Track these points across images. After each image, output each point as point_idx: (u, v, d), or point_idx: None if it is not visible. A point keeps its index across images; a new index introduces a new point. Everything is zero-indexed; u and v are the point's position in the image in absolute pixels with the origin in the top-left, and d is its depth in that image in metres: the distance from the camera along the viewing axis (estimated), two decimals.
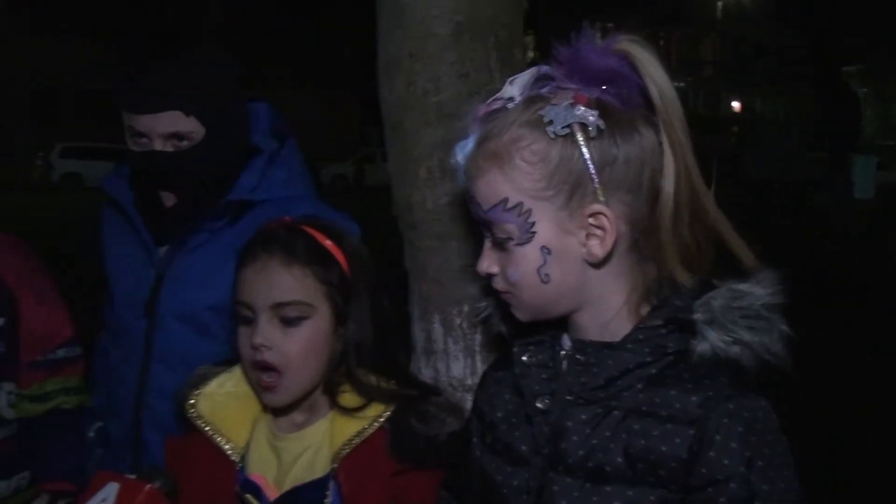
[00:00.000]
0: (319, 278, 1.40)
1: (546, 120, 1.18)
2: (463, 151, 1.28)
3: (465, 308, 1.75)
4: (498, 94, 1.27)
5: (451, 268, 1.74)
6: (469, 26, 1.73)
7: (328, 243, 1.42)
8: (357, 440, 1.37)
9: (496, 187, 1.21)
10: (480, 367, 1.77)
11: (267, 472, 1.40)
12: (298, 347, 1.39)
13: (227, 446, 1.43)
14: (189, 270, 1.81)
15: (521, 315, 1.27)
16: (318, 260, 1.40)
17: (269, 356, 1.38)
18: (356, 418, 1.39)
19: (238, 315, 1.42)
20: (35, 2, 28.38)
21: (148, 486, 1.28)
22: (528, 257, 1.21)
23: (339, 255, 1.42)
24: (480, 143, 1.24)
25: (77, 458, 2.08)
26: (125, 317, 1.89)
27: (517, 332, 1.32)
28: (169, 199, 1.81)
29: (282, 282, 1.39)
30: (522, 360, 1.29)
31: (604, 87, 1.19)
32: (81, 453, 2.09)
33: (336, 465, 1.36)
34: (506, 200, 1.20)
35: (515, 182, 1.19)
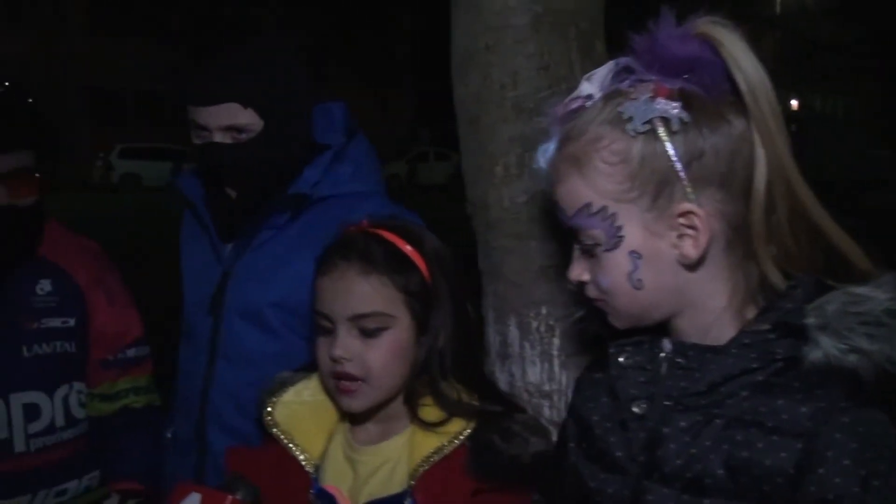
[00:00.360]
0: (398, 287, 1.34)
1: (625, 117, 1.12)
2: (545, 156, 1.22)
3: (543, 310, 1.68)
4: (576, 93, 1.20)
5: (530, 268, 1.68)
6: (548, 17, 1.66)
7: (408, 248, 1.36)
8: (436, 457, 1.31)
9: (577, 192, 1.15)
10: (558, 373, 1.70)
11: (342, 485, 1.36)
12: (379, 359, 1.34)
13: (301, 456, 1.38)
14: (253, 267, 1.79)
15: (618, 322, 1.21)
16: (397, 267, 1.34)
17: (349, 367, 1.33)
18: (436, 433, 1.33)
19: (316, 325, 1.38)
20: (95, 3, 28.96)
21: (230, 498, 1.25)
22: (617, 263, 1.15)
23: (419, 261, 1.36)
24: (560, 146, 1.18)
25: (146, 457, 2.08)
26: (194, 315, 1.90)
27: (614, 332, 1.25)
28: (232, 191, 1.80)
29: (360, 292, 1.34)
30: (619, 362, 1.22)
31: (685, 76, 1.11)
32: (151, 453, 2.09)
33: (414, 482, 1.30)
34: (589, 205, 1.14)
35: (596, 185, 1.13)
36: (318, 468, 1.39)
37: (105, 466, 2.09)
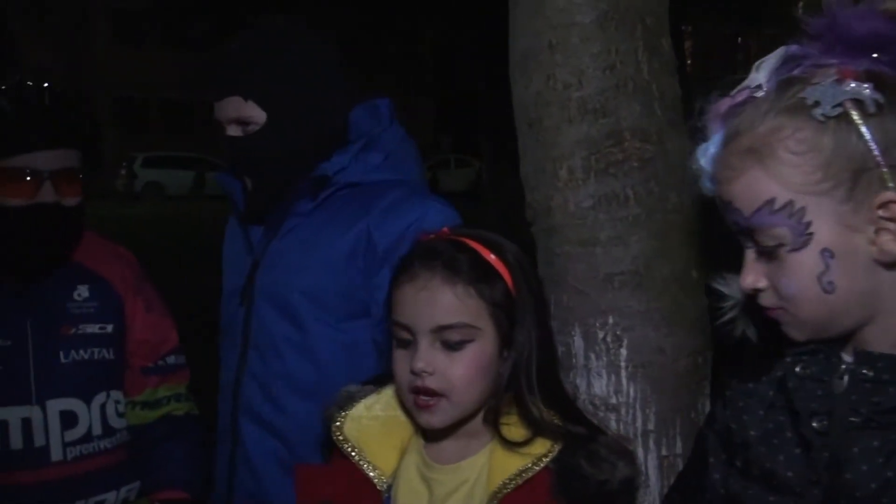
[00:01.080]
0: (484, 297, 1.26)
1: (810, 102, 1.01)
2: (706, 155, 1.12)
3: (610, 320, 1.62)
4: (742, 85, 1.11)
5: (595, 276, 1.61)
6: (615, 14, 1.59)
7: (492, 258, 1.28)
8: (520, 479, 1.23)
9: (759, 187, 1.05)
10: (626, 385, 1.63)
11: None
12: (462, 372, 1.26)
13: (372, 473, 1.31)
14: (281, 255, 1.78)
15: (798, 334, 1.09)
16: (482, 277, 1.26)
17: (430, 381, 1.26)
18: (519, 454, 1.25)
19: (394, 336, 1.31)
20: (120, 14, 29.19)
21: None
22: (805, 265, 1.04)
23: (503, 270, 1.28)
24: (729, 141, 1.07)
25: (190, 465, 2.05)
26: (228, 304, 1.89)
27: (767, 336, 1.15)
28: (249, 181, 1.80)
29: (444, 302, 1.26)
30: (796, 373, 1.11)
31: (874, 56, 1.00)
32: (194, 460, 2.06)
33: None
34: (772, 201, 1.03)
35: (782, 178, 1.03)
36: (389, 486, 1.32)
37: (146, 476, 2.05)
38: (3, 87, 1.94)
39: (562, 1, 1.60)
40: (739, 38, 35.59)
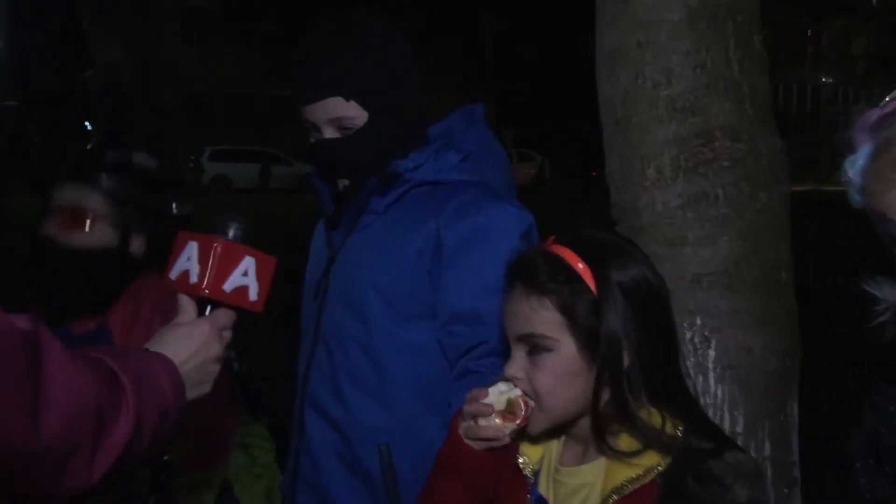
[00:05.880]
0: (561, 308, 1.25)
1: None
2: (854, 167, 1.10)
3: (698, 321, 1.60)
4: (891, 95, 1.09)
5: (684, 276, 1.60)
6: (705, 11, 1.57)
7: (579, 266, 1.26)
8: (627, 489, 1.21)
9: None
10: (713, 386, 1.62)
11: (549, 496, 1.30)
12: (544, 381, 1.24)
13: (520, 459, 1.32)
14: (356, 251, 1.77)
15: None
16: (560, 288, 1.25)
17: (522, 386, 1.27)
18: (628, 464, 1.23)
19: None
20: (188, 11, 29.76)
21: (220, 240, 1.20)
22: None
23: (589, 279, 1.26)
24: (881, 153, 1.05)
25: None
26: (305, 300, 1.90)
27: None
28: (342, 184, 1.79)
29: (521, 314, 1.26)
30: None
31: None
32: None
33: None
34: None
35: None
36: (536, 474, 1.33)
37: None
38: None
39: None
40: (810, 31, 34.72)
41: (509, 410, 1.28)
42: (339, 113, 1.69)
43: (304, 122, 1.77)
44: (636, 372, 1.24)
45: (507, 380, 1.29)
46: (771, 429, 1.61)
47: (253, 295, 1.23)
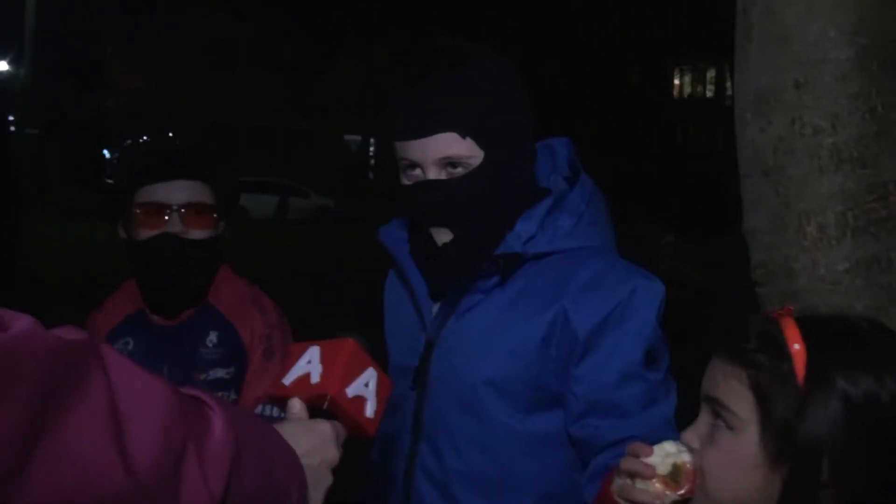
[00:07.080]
0: (758, 386, 1.06)
1: None
2: None
3: None
4: None
5: None
6: (877, 50, 1.40)
7: (795, 347, 1.07)
8: None
9: None
10: None
11: None
12: (716, 459, 1.08)
13: None
14: (460, 338, 1.56)
15: None
16: (760, 363, 1.07)
17: (694, 455, 1.10)
18: None
19: None
20: (210, 42, 29.99)
21: (350, 340, 1.13)
22: None
23: (801, 365, 1.06)
24: None
25: None
26: (397, 385, 1.67)
27: None
28: (444, 236, 1.55)
29: (716, 375, 1.10)
30: None
31: None
32: None
33: None
34: None
35: None
36: None
37: None
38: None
39: (813, 34, 1.41)
40: None
41: (673, 478, 1.11)
42: (452, 151, 1.48)
43: (399, 161, 1.56)
44: (845, 472, 1.04)
45: (675, 440, 1.13)
46: None
47: (370, 411, 1.14)
